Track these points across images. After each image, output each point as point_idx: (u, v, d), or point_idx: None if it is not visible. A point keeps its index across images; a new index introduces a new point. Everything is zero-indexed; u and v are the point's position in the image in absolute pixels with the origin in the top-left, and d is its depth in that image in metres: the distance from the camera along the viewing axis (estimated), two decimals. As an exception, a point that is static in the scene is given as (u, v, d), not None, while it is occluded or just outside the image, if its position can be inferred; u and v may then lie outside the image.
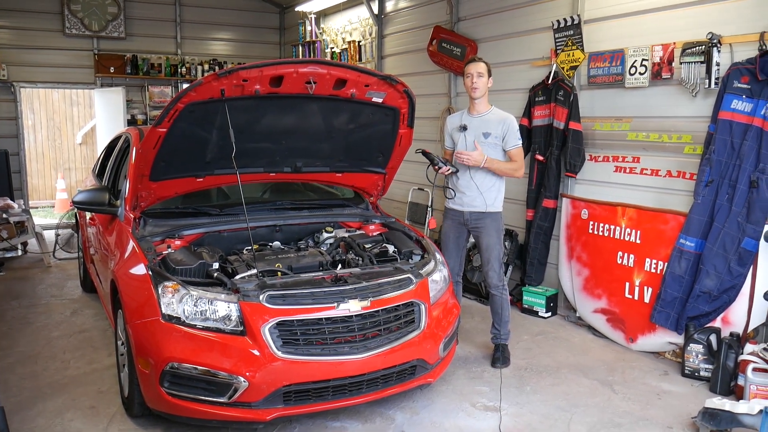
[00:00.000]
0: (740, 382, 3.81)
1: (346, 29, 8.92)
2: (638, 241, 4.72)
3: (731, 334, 4.06)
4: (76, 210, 6.21)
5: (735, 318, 4.15)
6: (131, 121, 9.58)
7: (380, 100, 3.89)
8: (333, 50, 9.08)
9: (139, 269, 3.45)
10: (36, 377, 4.15)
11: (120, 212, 4.06)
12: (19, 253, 7.60)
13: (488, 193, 4.28)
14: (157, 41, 9.93)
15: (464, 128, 4.30)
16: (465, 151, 4.18)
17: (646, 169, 4.75)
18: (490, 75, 4.27)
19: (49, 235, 7.91)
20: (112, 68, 9.53)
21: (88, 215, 5.20)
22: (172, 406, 3.20)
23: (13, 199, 7.84)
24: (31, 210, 8.54)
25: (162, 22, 9.95)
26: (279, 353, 3.10)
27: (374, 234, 4.33)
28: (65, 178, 12.14)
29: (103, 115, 9.88)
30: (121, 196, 4.13)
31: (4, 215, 7.08)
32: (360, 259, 3.86)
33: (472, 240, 4.86)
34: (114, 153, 5.28)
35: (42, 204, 12.02)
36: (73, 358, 4.47)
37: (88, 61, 9.49)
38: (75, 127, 12.77)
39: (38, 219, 9.46)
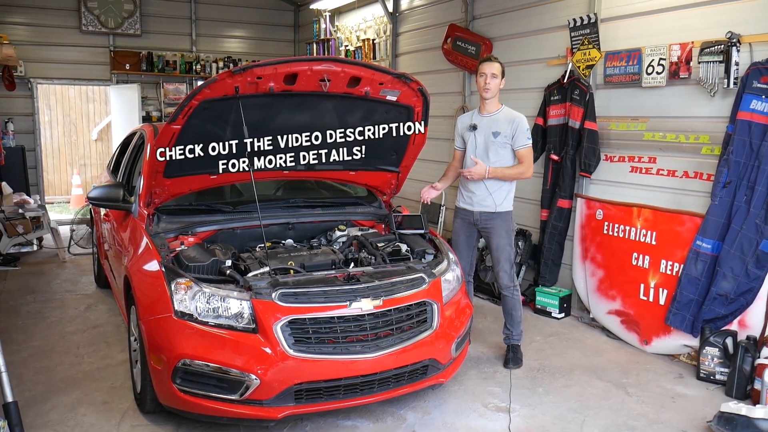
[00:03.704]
0: (757, 386, 3.76)
1: (360, 27, 8.92)
2: (654, 243, 4.67)
3: (748, 338, 4.01)
4: (90, 206, 6.25)
5: (752, 321, 4.09)
6: (146, 118, 9.65)
7: (394, 99, 3.88)
8: (347, 48, 9.08)
9: (153, 266, 3.46)
10: (50, 372, 4.19)
11: (134, 209, 4.08)
12: (35, 248, 7.68)
13: (498, 193, 4.25)
14: (172, 38, 9.99)
15: (474, 128, 4.29)
16: (467, 170, 4.22)
17: (663, 170, 4.69)
18: (503, 76, 4.25)
19: (64, 231, 7.98)
20: (127, 65, 9.60)
21: (103, 211, 5.23)
22: (183, 402, 3.21)
23: (29, 195, 7.92)
24: (46, 205, 8.63)
25: (177, 19, 10.01)
26: (291, 351, 3.10)
27: (387, 233, 4.31)
28: (80, 174, 12.24)
29: (118, 111, 9.96)
30: (135, 192, 4.14)
31: (20, 210, 7.15)
32: (372, 257, 3.84)
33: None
34: (129, 149, 5.30)
35: (57, 199, 12.12)
36: (86, 354, 4.50)
37: (104, 58, 9.57)
38: (90, 123, 12.88)
39: (54, 214, 9.56)
